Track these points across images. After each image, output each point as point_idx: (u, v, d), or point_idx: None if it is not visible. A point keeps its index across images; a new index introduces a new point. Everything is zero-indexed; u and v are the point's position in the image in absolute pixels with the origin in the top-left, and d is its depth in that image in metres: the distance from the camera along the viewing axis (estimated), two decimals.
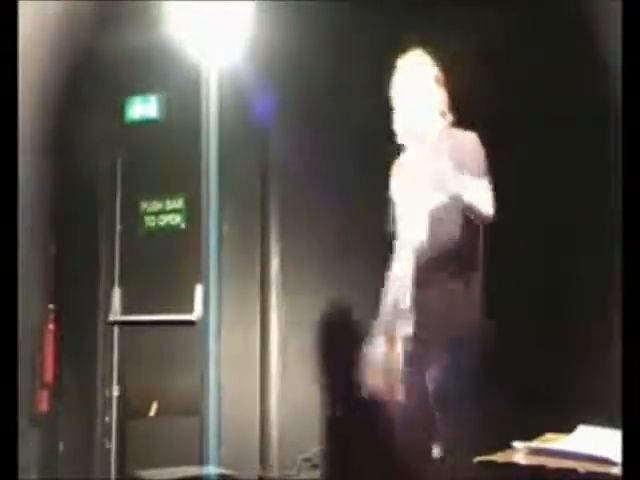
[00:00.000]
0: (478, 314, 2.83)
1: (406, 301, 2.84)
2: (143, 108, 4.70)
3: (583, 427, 2.41)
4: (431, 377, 2.76)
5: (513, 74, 3.99)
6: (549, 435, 2.46)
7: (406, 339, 2.83)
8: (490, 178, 2.85)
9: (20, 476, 2.08)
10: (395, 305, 2.87)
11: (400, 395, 2.82)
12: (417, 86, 2.90)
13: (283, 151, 4.29)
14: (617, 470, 2.00)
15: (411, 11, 4.00)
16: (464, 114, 2.96)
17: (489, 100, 3.88)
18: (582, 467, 2.05)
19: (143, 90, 4.67)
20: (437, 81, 2.93)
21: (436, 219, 2.79)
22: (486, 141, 2.91)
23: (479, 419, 3.80)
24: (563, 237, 4.05)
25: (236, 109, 4.17)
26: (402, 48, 2.99)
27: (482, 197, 2.81)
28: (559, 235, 4.06)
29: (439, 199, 2.78)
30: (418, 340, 2.80)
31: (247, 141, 4.33)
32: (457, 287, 2.80)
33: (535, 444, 2.34)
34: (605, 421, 2.31)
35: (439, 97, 2.91)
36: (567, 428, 2.45)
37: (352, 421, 3.02)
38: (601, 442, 2.20)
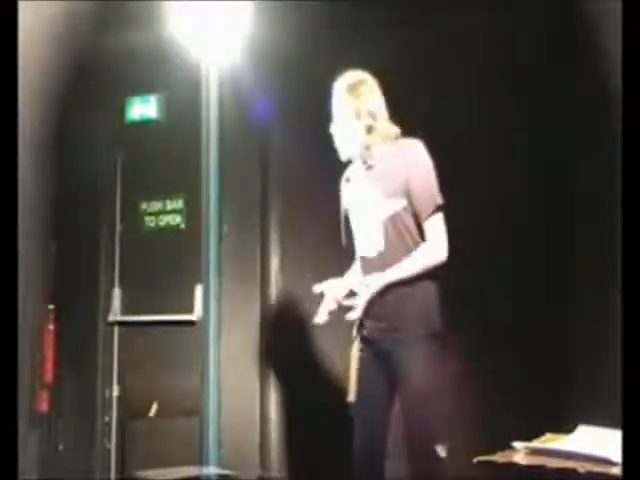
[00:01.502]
0: (437, 320, 2.78)
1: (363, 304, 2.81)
2: (143, 108, 4.71)
3: (583, 427, 2.42)
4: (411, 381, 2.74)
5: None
6: (549, 435, 2.46)
7: (369, 341, 2.83)
8: (440, 191, 2.79)
9: (20, 476, 2.08)
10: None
11: (377, 395, 2.82)
12: (348, 116, 2.85)
13: (283, 151, 4.29)
14: (617, 470, 2.00)
15: (414, 16, 4.02)
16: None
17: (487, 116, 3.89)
18: (582, 467, 2.06)
19: (143, 90, 4.67)
20: (372, 109, 2.84)
21: (391, 228, 2.77)
22: (439, 152, 2.83)
23: (478, 419, 3.81)
24: (560, 235, 4.05)
25: (236, 109, 4.18)
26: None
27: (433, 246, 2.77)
28: (558, 233, 4.06)
29: (392, 208, 2.76)
30: (377, 341, 2.79)
31: (247, 141, 4.33)
32: (412, 291, 2.76)
33: (535, 444, 2.34)
34: (605, 421, 2.31)
35: (373, 125, 2.83)
36: (567, 428, 2.45)
37: (352, 421, 3.01)
38: (601, 442, 2.20)
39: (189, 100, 4.19)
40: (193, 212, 4.40)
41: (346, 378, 2.89)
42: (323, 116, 3.82)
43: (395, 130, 2.87)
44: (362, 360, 2.84)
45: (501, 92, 3.98)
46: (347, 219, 3.00)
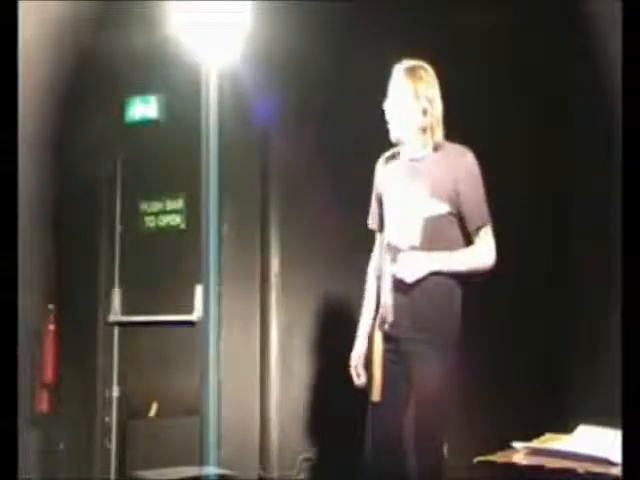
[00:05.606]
0: (458, 319, 2.81)
1: (389, 301, 2.84)
2: (143, 108, 4.70)
3: (583, 427, 2.42)
4: (421, 378, 2.75)
5: (514, 86, 4.00)
6: (549, 435, 2.47)
7: (393, 339, 2.82)
8: (486, 201, 2.81)
9: (20, 476, 2.08)
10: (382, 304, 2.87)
11: (398, 394, 2.81)
12: (406, 96, 2.84)
13: (283, 151, 4.29)
14: (617, 470, 2.00)
15: (414, 16, 4.02)
16: (460, 130, 2.86)
17: (487, 115, 3.89)
18: (582, 467, 2.06)
19: (143, 90, 4.67)
20: (428, 95, 2.84)
21: (430, 228, 2.78)
22: (485, 159, 2.84)
23: (479, 419, 3.81)
24: (562, 235, 4.06)
25: (236, 109, 4.17)
26: (400, 53, 2.95)
27: (482, 250, 2.81)
28: (559, 233, 4.07)
29: (436, 209, 2.78)
30: (401, 340, 2.79)
31: (247, 141, 4.33)
32: (440, 293, 2.78)
33: (535, 444, 2.34)
34: (605, 421, 2.31)
35: (429, 110, 2.82)
36: (567, 428, 2.45)
37: (352, 421, 3.00)
38: (601, 442, 2.20)
39: (189, 100, 4.19)
40: (193, 212, 4.40)
41: (370, 377, 2.86)
42: (323, 116, 3.83)
43: (441, 132, 2.87)
44: (386, 360, 2.83)
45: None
46: (380, 201, 3.00)
